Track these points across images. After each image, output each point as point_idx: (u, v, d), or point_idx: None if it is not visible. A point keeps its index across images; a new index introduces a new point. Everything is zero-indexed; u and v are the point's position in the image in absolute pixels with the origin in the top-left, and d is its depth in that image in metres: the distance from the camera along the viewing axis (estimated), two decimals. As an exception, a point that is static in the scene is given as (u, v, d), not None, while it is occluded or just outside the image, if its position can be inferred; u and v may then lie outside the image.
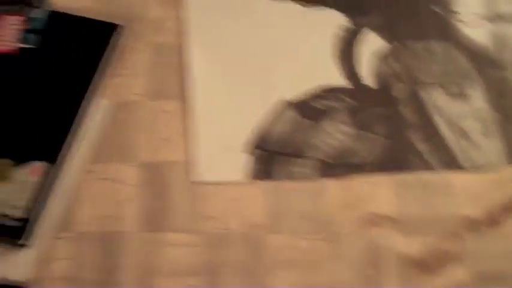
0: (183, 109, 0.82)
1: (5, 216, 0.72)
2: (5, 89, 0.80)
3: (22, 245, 0.72)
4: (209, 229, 0.74)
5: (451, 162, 0.77)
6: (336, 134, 0.79)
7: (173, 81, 0.84)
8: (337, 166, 0.78)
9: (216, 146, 0.78)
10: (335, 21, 0.87)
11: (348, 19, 0.87)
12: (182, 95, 0.83)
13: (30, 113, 0.79)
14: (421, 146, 0.78)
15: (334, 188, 0.77)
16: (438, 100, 0.81)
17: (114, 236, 0.74)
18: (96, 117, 0.80)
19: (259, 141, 0.79)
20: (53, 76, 0.82)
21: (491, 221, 0.74)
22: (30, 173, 0.74)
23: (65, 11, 0.87)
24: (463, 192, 0.76)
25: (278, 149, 0.78)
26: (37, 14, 0.86)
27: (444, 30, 0.87)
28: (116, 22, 0.86)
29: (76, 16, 0.86)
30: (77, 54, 0.83)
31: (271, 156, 0.78)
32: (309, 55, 0.85)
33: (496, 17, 0.88)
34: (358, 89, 0.83)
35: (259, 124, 0.80)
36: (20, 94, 0.80)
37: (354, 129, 0.80)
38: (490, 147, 0.79)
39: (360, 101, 0.82)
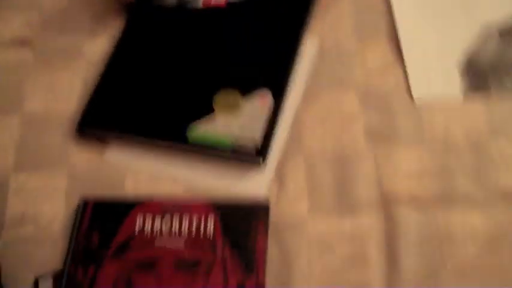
0: (390, 41, 0.84)
1: (243, 140, 0.76)
2: (223, 29, 0.86)
3: (259, 166, 0.76)
4: (435, 139, 0.76)
5: None
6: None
7: (378, 17, 0.87)
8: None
9: (430, 68, 0.81)
10: None
11: None
12: (388, 27, 0.86)
13: (250, 50, 0.84)
14: None
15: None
16: None
17: (344, 153, 0.77)
18: (308, 54, 0.84)
19: (471, 62, 0.81)
20: (266, 18, 0.86)
21: None
22: (260, 101, 0.79)
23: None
24: None
25: (489, 68, 0.80)
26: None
27: None
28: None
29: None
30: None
31: (484, 73, 0.80)
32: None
33: None
34: None
35: (468, 46, 0.82)
36: (241, 33, 0.85)
37: None
38: None
39: None
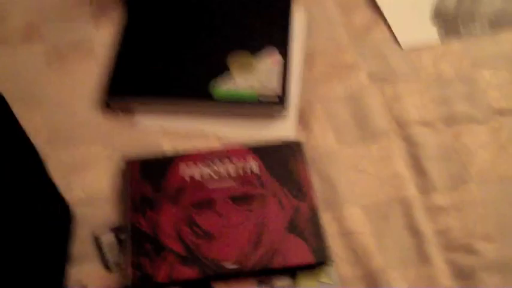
0: (368, 7, 0.96)
1: (264, 92, 0.84)
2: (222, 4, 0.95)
3: (283, 113, 0.84)
4: (428, 74, 0.88)
5: None
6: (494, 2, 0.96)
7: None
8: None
9: (409, 21, 0.94)
10: None
11: None
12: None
13: (249, 18, 0.93)
14: None
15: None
16: None
17: (355, 95, 0.87)
18: (299, 18, 0.95)
19: (438, 13, 0.94)
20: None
21: None
22: (270, 59, 0.88)
23: None
24: None
25: (454, 17, 0.94)
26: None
27: None
28: None
29: None
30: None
31: (452, 22, 0.94)
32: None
33: None
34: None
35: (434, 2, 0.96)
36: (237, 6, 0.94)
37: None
38: None
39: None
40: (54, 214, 0.71)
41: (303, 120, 0.84)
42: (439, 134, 0.83)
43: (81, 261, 0.74)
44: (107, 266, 0.74)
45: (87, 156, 0.81)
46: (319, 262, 0.72)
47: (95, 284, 0.72)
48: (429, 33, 0.93)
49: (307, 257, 0.72)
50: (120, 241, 0.75)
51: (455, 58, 0.90)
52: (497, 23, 0.94)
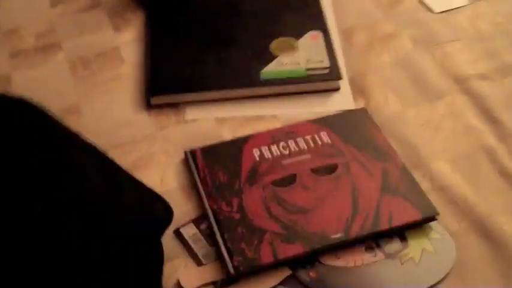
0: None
1: (314, 68, 0.81)
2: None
3: (336, 86, 0.81)
4: (467, 33, 0.88)
5: None
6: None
7: None
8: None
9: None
10: None
11: None
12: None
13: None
14: None
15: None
16: None
17: (404, 60, 0.85)
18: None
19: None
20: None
21: None
22: (311, 38, 0.84)
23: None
24: None
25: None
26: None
27: None
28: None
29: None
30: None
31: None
32: None
33: None
34: None
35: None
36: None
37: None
38: None
39: None
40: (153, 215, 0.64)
41: (358, 89, 0.81)
42: (498, 84, 0.81)
43: (167, 258, 0.66)
44: (196, 259, 0.66)
45: (144, 155, 0.75)
46: (427, 217, 0.67)
47: (187, 279, 0.64)
48: (459, -1, 0.92)
49: (413, 214, 0.67)
50: (202, 231, 0.68)
51: (488, 16, 0.89)
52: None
